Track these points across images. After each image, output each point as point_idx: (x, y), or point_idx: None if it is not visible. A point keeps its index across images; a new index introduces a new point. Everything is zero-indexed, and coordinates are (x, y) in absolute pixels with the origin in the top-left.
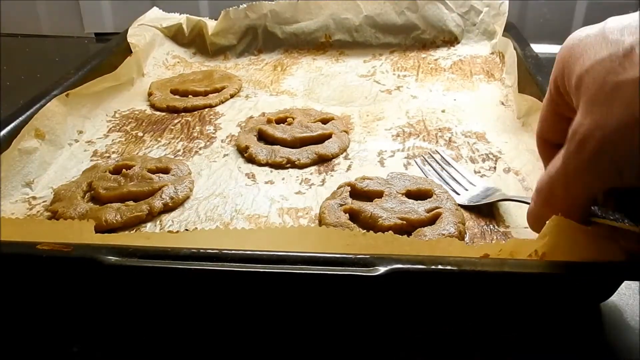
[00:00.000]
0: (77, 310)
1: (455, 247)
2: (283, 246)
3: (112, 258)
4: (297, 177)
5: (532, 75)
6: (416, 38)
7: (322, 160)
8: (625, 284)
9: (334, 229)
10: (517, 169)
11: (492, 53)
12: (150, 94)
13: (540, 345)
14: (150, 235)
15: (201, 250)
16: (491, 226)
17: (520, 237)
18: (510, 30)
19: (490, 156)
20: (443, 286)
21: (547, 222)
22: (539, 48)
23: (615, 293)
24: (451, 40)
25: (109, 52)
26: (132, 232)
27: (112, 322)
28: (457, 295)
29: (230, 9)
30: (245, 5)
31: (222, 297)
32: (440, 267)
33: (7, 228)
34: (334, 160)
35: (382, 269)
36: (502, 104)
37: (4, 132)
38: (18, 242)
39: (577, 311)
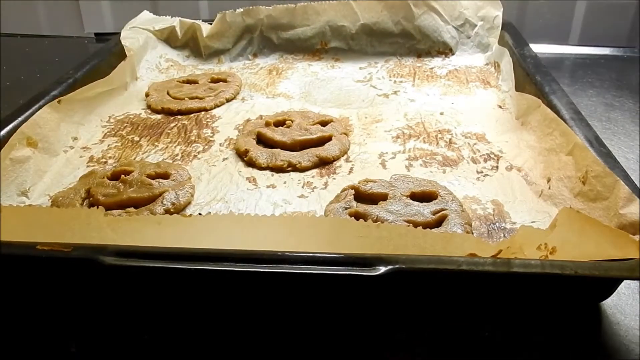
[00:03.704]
0: (76, 310)
1: (470, 243)
2: (296, 235)
3: (111, 258)
4: (299, 180)
5: (530, 76)
6: (411, 48)
7: (323, 163)
8: (625, 284)
9: (349, 219)
10: (519, 165)
11: (487, 64)
12: (147, 95)
13: (540, 345)
14: (162, 219)
15: (201, 251)
16: (497, 224)
17: (526, 232)
18: (508, 30)
19: (492, 156)
20: (442, 286)
21: (558, 212)
22: (539, 48)
23: (615, 293)
24: (446, 51)
25: (109, 52)
26: (142, 214)
27: (111, 322)
28: (457, 295)
29: (227, 12)
30: (242, 9)
31: (222, 297)
32: (439, 266)
33: (12, 218)
34: (335, 162)
35: (382, 269)
36: (500, 107)
37: (3, 132)
38: (18, 243)
39: (576, 310)
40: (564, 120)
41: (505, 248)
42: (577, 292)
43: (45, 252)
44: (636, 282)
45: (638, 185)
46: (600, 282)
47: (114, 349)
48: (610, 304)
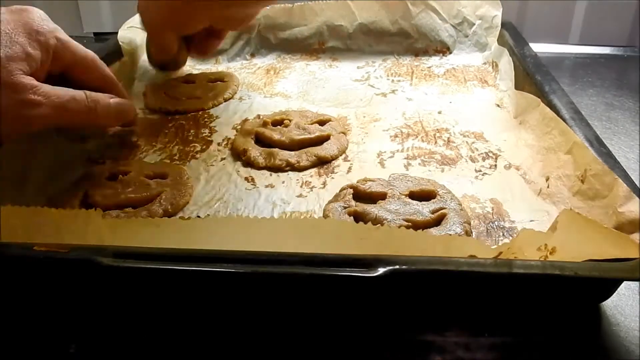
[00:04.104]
0: (74, 311)
1: (470, 245)
2: (295, 237)
3: (109, 259)
4: (298, 180)
5: (530, 75)
6: (409, 47)
7: (322, 163)
8: (625, 285)
9: (350, 221)
10: (517, 164)
11: (485, 63)
12: (144, 95)
13: (539, 346)
14: (160, 222)
15: (199, 252)
16: (496, 223)
17: (527, 235)
18: (508, 29)
19: (490, 154)
20: (442, 287)
21: (558, 214)
22: (539, 47)
23: (615, 293)
24: (443, 50)
25: (107, 51)
26: (140, 215)
27: (109, 323)
28: (456, 296)
29: None
30: None
31: (220, 298)
32: (439, 267)
33: (10, 218)
34: (333, 162)
35: (381, 270)
36: (498, 106)
37: None
38: (15, 243)
39: (576, 311)
40: (564, 120)
41: (506, 249)
42: (577, 293)
43: (43, 253)
44: (636, 283)
45: (638, 185)
46: (600, 282)
47: (113, 349)
48: (610, 304)
